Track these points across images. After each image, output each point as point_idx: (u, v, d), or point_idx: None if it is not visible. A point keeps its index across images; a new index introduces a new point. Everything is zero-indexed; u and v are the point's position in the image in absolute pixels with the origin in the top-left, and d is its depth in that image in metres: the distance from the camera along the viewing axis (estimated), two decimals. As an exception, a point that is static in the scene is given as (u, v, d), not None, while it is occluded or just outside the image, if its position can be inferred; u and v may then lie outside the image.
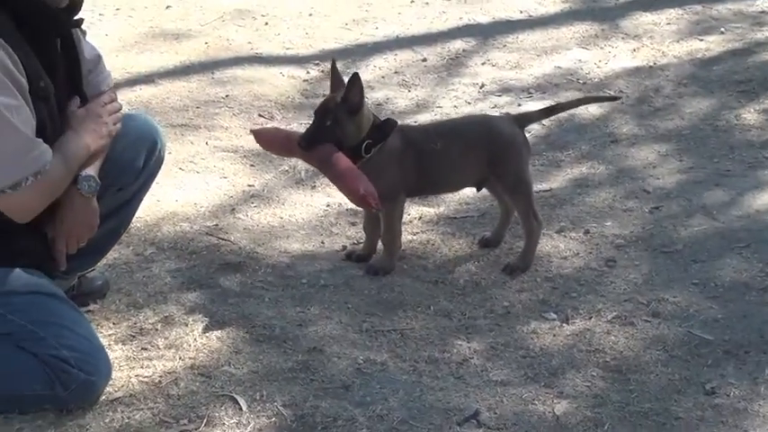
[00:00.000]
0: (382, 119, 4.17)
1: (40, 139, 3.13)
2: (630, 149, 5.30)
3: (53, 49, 3.36)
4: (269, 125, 5.58)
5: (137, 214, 4.01)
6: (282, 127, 5.46)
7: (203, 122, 5.70)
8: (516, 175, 4.16)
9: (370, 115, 4.07)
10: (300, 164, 5.06)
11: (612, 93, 5.95)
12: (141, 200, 3.90)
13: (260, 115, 5.85)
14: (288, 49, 6.89)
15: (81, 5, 3.40)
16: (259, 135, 4.24)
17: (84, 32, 3.56)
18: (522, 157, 4.17)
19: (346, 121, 3.99)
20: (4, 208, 3.12)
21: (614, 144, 5.38)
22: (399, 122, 4.22)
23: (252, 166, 5.23)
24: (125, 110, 5.45)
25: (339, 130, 3.98)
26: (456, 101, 6.02)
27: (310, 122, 4.11)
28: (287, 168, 5.18)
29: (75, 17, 3.40)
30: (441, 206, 4.72)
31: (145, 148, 3.76)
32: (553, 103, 4.43)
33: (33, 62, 3.17)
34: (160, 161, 3.87)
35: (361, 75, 6.22)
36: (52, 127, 3.26)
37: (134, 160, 3.72)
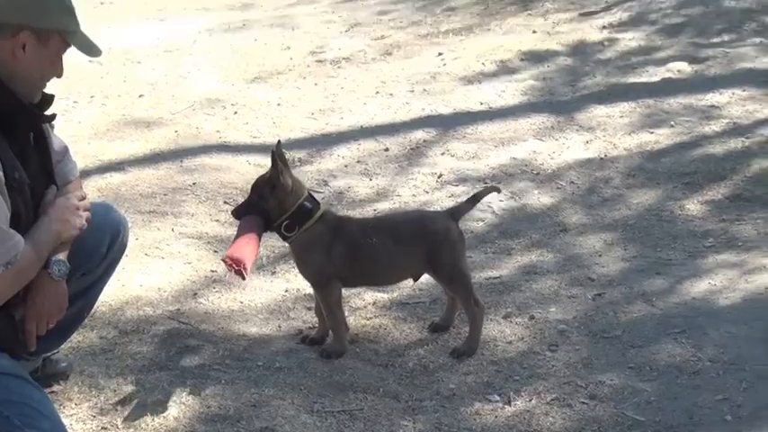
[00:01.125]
0: (324, 207, 4.37)
1: (13, 231, 3.32)
2: (578, 238, 5.54)
3: (26, 142, 3.57)
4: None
5: (102, 298, 4.20)
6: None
7: (170, 209, 5.92)
8: (452, 267, 4.36)
9: (300, 196, 4.28)
10: (261, 250, 5.27)
11: (564, 183, 6.21)
12: (104, 284, 4.09)
13: (225, 202, 6.06)
14: (255, 137, 7.14)
15: (53, 101, 3.63)
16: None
17: (52, 126, 3.78)
18: (456, 251, 4.36)
19: (268, 196, 4.23)
20: (-26, 294, 3.31)
21: (563, 233, 5.62)
22: (336, 213, 4.48)
23: (215, 252, 5.43)
24: (95, 196, 5.71)
25: (262, 205, 4.24)
26: (415, 189, 6.27)
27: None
28: (249, 254, 5.38)
29: (48, 112, 3.62)
30: (394, 292, 4.93)
31: (109, 235, 3.96)
32: (474, 193, 4.66)
33: (8, 155, 3.37)
34: (123, 247, 4.06)
35: (325, 164, 6.58)
36: (26, 216, 3.46)
37: (98, 246, 3.91)
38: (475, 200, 4.56)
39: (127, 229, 4.08)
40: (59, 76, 3.58)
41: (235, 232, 4.29)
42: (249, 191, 4.37)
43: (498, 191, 4.99)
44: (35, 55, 3.42)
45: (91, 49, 3.56)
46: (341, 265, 4.29)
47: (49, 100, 3.61)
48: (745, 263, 5.10)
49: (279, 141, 4.39)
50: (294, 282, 5.07)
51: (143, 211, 5.84)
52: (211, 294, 4.96)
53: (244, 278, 4.08)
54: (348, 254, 4.30)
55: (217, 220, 5.83)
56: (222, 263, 4.06)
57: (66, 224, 3.58)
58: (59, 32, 3.45)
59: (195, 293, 4.96)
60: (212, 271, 5.21)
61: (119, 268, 4.17)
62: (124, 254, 4.10)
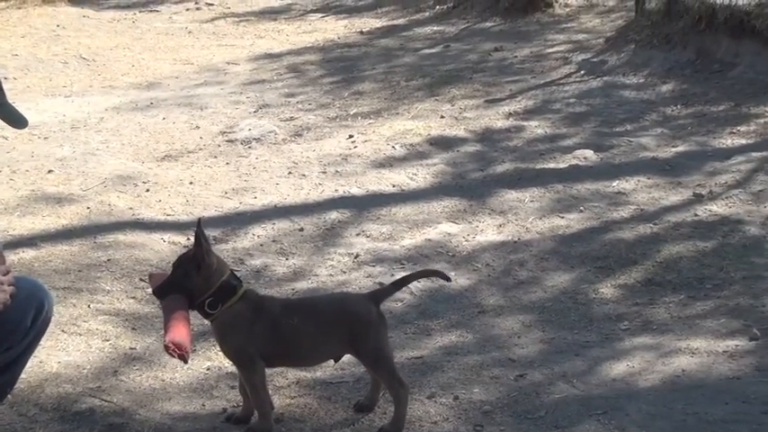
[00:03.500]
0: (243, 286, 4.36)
1: None
2: (496, 319, 5.61)
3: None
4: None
5: (21, 376, 4.12)
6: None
7: (85, 286, 5.85)
8: (375, 350, 4.36)
9: (223, 274, 4.27)
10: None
11: (479, 265, 6.30)
12: (28, 359, 4.03)
13: (141, 279, 6.01)
14: (168, 215, 7.11)
15: None
16: (154, 279, 4.41)
17: None
18: (379, 334, 4.36)
19: (192, 274, 4.22)
20: None
21: (481, 314, 5.69)
22: (260, 292, 4.46)
23: (134, 329, 5.38)
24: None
25: (186, 283, 4.22)
26: (332, 269, 6.29)
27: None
28: (168, 332, 5.33)
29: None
30: (317, 371, 4.92)
31: (33, 309, 3.90)
32: (401, 277, 4.72)
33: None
34: (47, 321, 4.01)
35: (240, 242, 6.57)
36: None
37: (22, 320, 3.85)
38: (399, 285, 4.59)
39: (52, 302, 4.04)
40: None
41: (158, 310, 4.27)
42: (172, 268, 4.33)
43: (434, 275, 5.00)
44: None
45: (18, 121, 3.54)
46: (262, 345, 4.27)
47: None
48: (661, 345, 5.21)
49: (200, 220, 4.38)
50: (216, 359, 5.04)
51: (58, 287, 5.77)
52: (132, 372, 4.91)
53: (186, 361, 4.04)
54: (269, 333, 4.29)
55: (133, 297, 5.78)
56: (165, 349, 3.98)
57: None
58: None
59: (115, 371, 4.90)
60: (132, 348, 5.16)
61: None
62: (48, 328, 4.05)
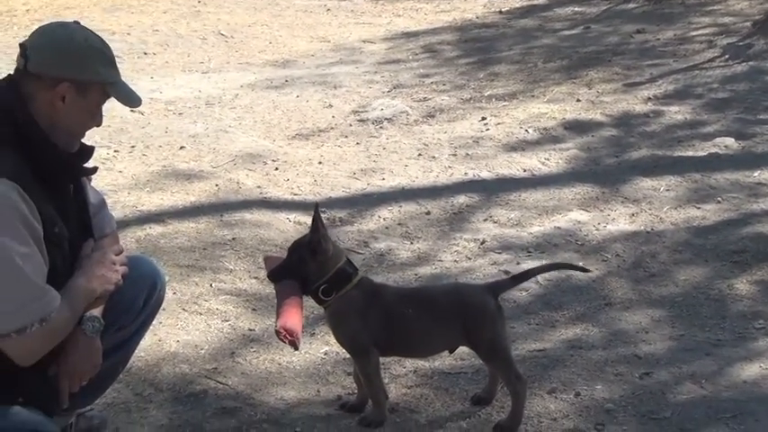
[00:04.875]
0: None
1: (49, 286, 3.25)
2: (624, 313, 5.41)
3: (66, 195, 3.52)
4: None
5: (137, 353, 4.12)
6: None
7: (209, 264, 5.84)
8: (491, 343, 4.22)
9: (339, 261, 4.18)
10: (301, 311, 5.18)
11: (609, 256, 6.09)
12: (140, 339, 4.01)
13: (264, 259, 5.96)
14: (296, 195, 7.07)
15: (92, 152, 3.57)
16: (269, 262, 4.35)
17: (89, 177, 3.71)
18: (495, 326, 4.22)
19: (308, 260, 4.12)
20: (8, 350, 3.23)
21: (608, 307, 5.49)
22: (373, 280, 4.38)
23: (254, 310, 5.35)
24: (134, 248, 5.65)
25: (301, 269, 4.12)
26: (457, 255, 6.16)
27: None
28: (287, 314, 5.28)
29: (89, 165, 3.57)
30: (435, 361, 4.80)
31: (145, 289, 3.88)
32: (524, 270, 4.57)
33: (48, 208, 3.31)
34: (160, 302, 3.99)
35: (365, 224, 6.49)
36: (64, 270, 3.40)
37: (134, 300, 3.84)
38: (519, 279, 4.45)
39: (164, 282, 4.00)
40: (99, 125, 3.55)
41: (274, 293, 4.19)
42: (287, 253, 4.25)
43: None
44: (75, 106, 3.39)
45: (131, 100, 3.53)
46: (376, 334, 4.17)
47: (88, 151, 3.56)
48: (797, 348, 4.96)
49: (317, 204, 4.28)
50: (333, 344, 4.94)
51: (181, 265, 5.77)
52: (249, 354, 4.87)
53: (297, 348, 3.97)
54: (383, 322, 4.18)
55: (256, 278, 5.75)
56: (275, 334, 3.91)
57: (101, 280, 3.51)
58: (99, 83, 3.41)
59: (233, 352, 4.87)
60: (250, 330, 5.12)
61: (155, 322, 4.10)
62: (161, 308, 4.02)
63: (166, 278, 4.03)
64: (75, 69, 3.33)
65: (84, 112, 3.42)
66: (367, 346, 4.18)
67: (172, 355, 4.75)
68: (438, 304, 4.25)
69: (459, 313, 4.20)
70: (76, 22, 3.50)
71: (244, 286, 5.62)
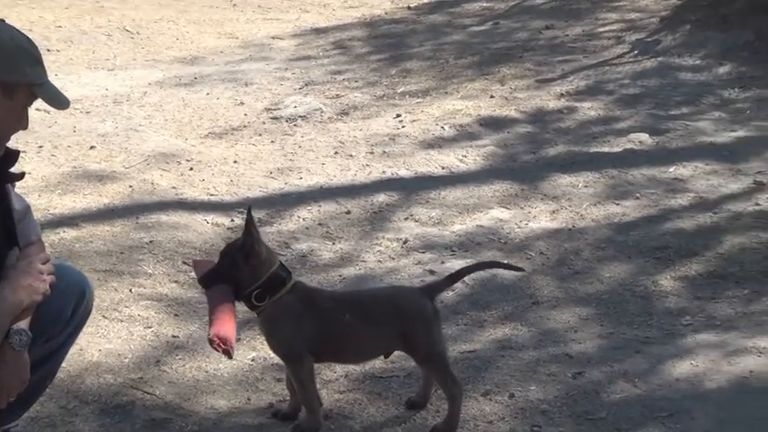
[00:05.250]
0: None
1: None
2: (552, 312, 5.39)
3: (-11, 203, 3.36)
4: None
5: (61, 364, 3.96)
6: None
7: (127, 268, 5.68)
8: (427, 347, 4.16)
9: (272, 265, 4.08)
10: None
11: (533, 254, 6.07)
12: (68, 351, 3.87)
13: (184, 262, 5.84)
14: (212, 195, 6.93)
15: (18, 157, 3.42)
16: (197, 266, 4.23)
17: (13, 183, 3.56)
18: (432, 329, 4.16)
19: (241, 264, 4.01)
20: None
21: (536, 306, 5.46)
22: (310, 284, 4.28)
23: (176, 315, 5.21)
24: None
25: (233, 273, 4.01)
26: (380, 255, 6.08)
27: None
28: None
29: (15, 170, 3.42)
30: (367, 364, 4.71)
31: (73, 298, 3.75)
32: (457, 270, 4.51)
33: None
34: (88, 311, 3.85)
35: (285, 225, 6.38)
36: (-11, 279, 3.25)
37: (62, 310, 3.70)
38: (454, 279, 4.39)
39: (92, 291, 3.87)
40: (25, 128, 3.41)
41: (201, 296, 4.09)
42: (219, 257, 4.14)
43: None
44: (0, 109, 3.24)
45: (59, 101, 3.40)
46: (311, 339, 4.07)
47: (13, 156, 3.41)
48: (726, 344, 4.96)
49: (249, 208, 4.17)
50: (261, 350, 4.85)
51: (99, 270, 5.61)
52: (174, 362, 4.73)
53: (231, 357, 3.86)
54: (318, 328, 4.08)
55: (176, 281, 5.61)
56: (209, 342, 3.79)
57: (28, 290, 3.37)
58: (27, 84, 3.28)
59: (158, 360, 4.73)
60: (174, 336, 4.99)
61: (78, 332, 3.94)
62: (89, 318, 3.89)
63: (94, 288, 3.89)
64: (2, 70, 3.18)
65: (11, 115, 3.28)
66: (301, 352, 4.08)
67: (95, 365, 4.59)
68: (374, 308, 4.17)
69: (396, 317, 4.12)
70: (1, 20, 3.35)
71: (164, 291, 5.48)
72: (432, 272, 5.78)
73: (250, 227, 4.01)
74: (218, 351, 3.77)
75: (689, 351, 4.92)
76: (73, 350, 4.53)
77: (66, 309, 3.71)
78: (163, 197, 6.79)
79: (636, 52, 10.45)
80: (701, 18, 10.91)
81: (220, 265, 4.06)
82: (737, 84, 9.31)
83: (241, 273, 4.01)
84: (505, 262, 4.69)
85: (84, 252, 5.83)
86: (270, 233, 6.33)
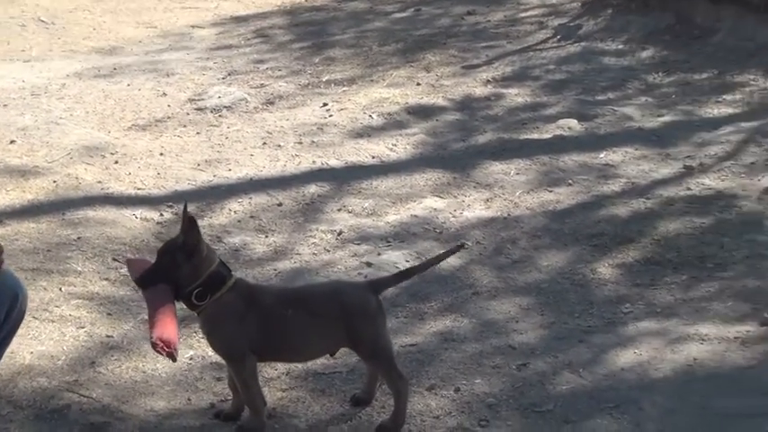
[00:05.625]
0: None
1: None
2: (492, 302, 5.34)
3: None
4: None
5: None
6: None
7: (55, 266, 5.53)
8: (372, 342, 4.09)
9: (212, 263, 3.97)
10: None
11: (470, 243, 6.01)
12: (2, 355, 3.74)
13: (114, 259, 5.70)
14: (139, 189, 6.77)
15: None
16: (131, 265, 4.10)
17: None
18: (376, 325, 4.09)
19: (183, 263, 3.91)
20: None
21: (475, 296, 5.41)
22: (251, 281, 4.17)
23: (109, 314, 5.08)
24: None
25: (174, 272, 3.90)
26: (315, 248, 5.99)
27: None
28: (146, 317, 5.01)
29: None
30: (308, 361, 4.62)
31: (6, 302, 3.62)
32: (406, 269, 4.45)
33: None
34: (21, 314, 3.74)
35: (216, 218, 6.25)
36: None
37: (-4, 315, 3.57)
38: (403, 276, 4.31)
39: (26, 294, 3.75)
40: None
41: (134, 293, 3.97)
42: (156, 255, 4.01)
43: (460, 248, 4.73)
44: None
45: None
46: (254, 338, 3.97)
47: None
48: (667, 331, 4.96)
49: (186, 204, 4.06)
50: (198, 348, 4.74)
51: (26, 269, 5.44)
52: (110, 363, 4.60)
53: (175, 360, 3.75)
54: (261, 326, 3.98)
55: (107, 279, 5.47)
56: (152, 346, 3.68)
57: None
58: None
59: (93, 362, 4.59)
60: (108, 336, 4.86)
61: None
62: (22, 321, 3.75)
63: (27, 289, 3.75)
64: None
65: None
66: (244, 350, 3.98)
67: (27, 368, 4.44)
68: (317, 304, 4.07)
69: (340, 313, 4.03)
70: None
71: (96, 289, 5.33)
72: (368, 264, 5.71)
73: (190, 224, 3.89)
74: (161, 354, 3.66)
75: (632, 340, 4.90)
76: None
77: (-1, 313, 3.58)
78: (89, 192, 6.62)
79: (559, 37, 10.44)
80: (622, 2, 10.92)
81: (159, 264, 3.94)
82: (661, 68, 9.34)
83: (181, 272, 3.90)
84: (449, 250, 4.57)
85: (10, 251, 5.62)
86: (201, 227, 6.12)
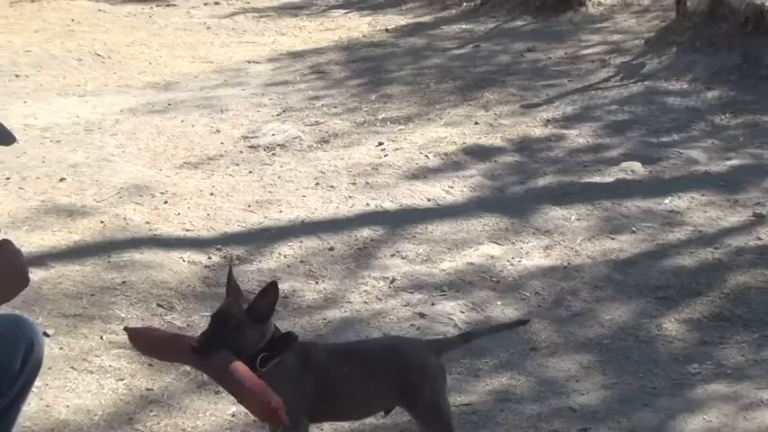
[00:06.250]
0: (283, 331, 3.80)
1: None
2: (551, 359, 5.07)
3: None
4: (152, 322, 5.23)
5: (24, 423, 3.63)
6: (179, 322, 5.19)
7: (98, 312, 5.34)
8: (430, 405, 3.85)
9: (272, 327, 3.72)
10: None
11: (528, 294, 5.76)
12: (21, 407, 3.55)
13: (159, 305, 5.52)
14: (188, 231, 6.59)
15: None
16: (136, 336, 3.75)
17: None
18: (436, 387, 3.86)
19: (250, 328, 3.60)
20: None
21: (533, 352, 5.15)
22: (303, 338, 3.90)
23: (150, 366, 4.87)
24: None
25: (240, 338, 3.58)
26: (366, 296, 5.76)
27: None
28: (188, 370, 4.81)
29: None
30: (355, 422, 4.38)
31: (22, 350, 3.45)
32: (470, 330, 4.24)
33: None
34: (39, 362, 3.55)
35: (266, 263, 6.05)
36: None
37: (10, 364, 3.41)
38: (466, 338, 4.10)
39: (41, 340, 3.54)
40: None
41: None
42: (213, 320, 3.70)
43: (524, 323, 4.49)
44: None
45: (5, 138, 3.12)
46: (310, 399, 3.73)
47: None
48: (739, 395, 4.66)
49: (231, 266, 3.82)
50: (239, 404, 4.50)
51: (68, 315, 5.26)
52: (149, 419, 4.40)
53: (287, 426, 3.47)
54: (318, 386, 3.74)
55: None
56: (269, 415, 3.38)
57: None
58: None
59: (131, 418, 4.39)
60: (148, 389, 4.65)
61: (41, 385, 3.62)
62: (41, 369, 3.56)
63: (52, 331, 3.56)
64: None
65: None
66: (300, 414, 3.72)
67: (62, 424, 4.25)
68: (373, 362, 3.83)
69: (396, 372, 3.79)
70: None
71: (138, 338, 5.12)
72: (422, 315, 5.47)
73: (272, 290, 3.62)
74: (277, 422, 3.37)
75: (700, 404, 4.62)
76: (38, 407, 4.25)
77: (14, 362, 3.43)
78: (136, 233, 6.44)
79: (621, 76, 10.20)
80: (687, 40, 10.67)
81: (221, 330, 3.59)
82: (728, 109, 9.06)
83: (248, 338, 3.61)
84: (514, 321, 4.28)
85: (53, 295, 5.48)
86: (249, 272, 6.00)
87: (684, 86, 9.71)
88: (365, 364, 3.82)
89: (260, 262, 6.17)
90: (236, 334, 3.56)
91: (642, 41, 11.20)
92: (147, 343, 3.75)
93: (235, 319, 3.57)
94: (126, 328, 3.78)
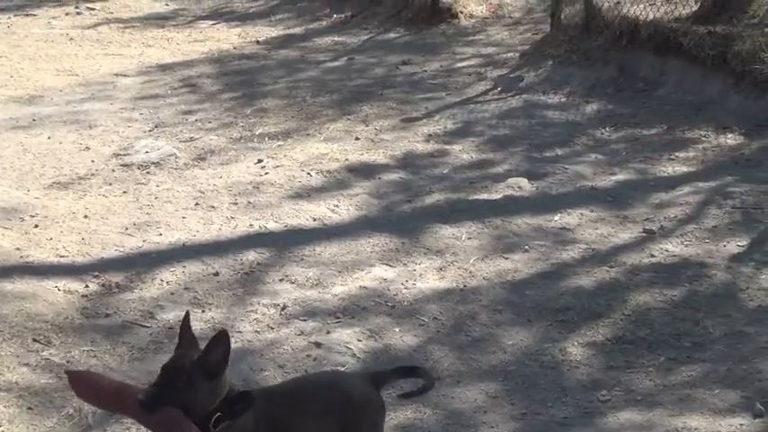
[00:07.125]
0: (239, 389, 3.50)
1: None
2: (455, 389, 4.87)
3: None
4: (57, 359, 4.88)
5: None
6: (57, 358, 4.84)
7: (-32, 350, 4.95)
8: None
9: (226, 383, 3.40)
10: (87, 407, 4.39)
11: (426, 319, 5.55)
12: None
13: (35, 340, 5.15)
14: (62, 257, 6.21)
15: None
16: (78, 381, 3.47)
17: None
18: (377, 422, 3.65)
19: (201, 385, 3.29)
20: None
21: (437, 382, 4.91)
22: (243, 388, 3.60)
23: (29, 409, 4.51)
24: None
25: (191, 395, 3.26)
26: (257, 325, 5.47)
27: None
28: (71, 412, 4.48)
29: None
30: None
31: None
32: (415, 366, 4.23)
33: None
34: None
35: (147, 290, 5.72)
36: None
37: None
38: (407, 373, 3.96)
39: None
40: None
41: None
42: (163, 372, 3.32)
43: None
44: None
45: None
46: None
47: None
48: (653, 424, 4.52)
49: (188, 312, 3.50)
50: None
51: (-68, 355, 4.86)
52: (32, 470, 4.04)
53: None
54: None
55: (27, 365, 4.91)
56: None
57: None
58: None
59: (12, 471, 4.03)
60: (30, 436, 4.29)
61: None
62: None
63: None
64: None
65: None
66: None
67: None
68: (311, 399, 3.59)
69: (336, 408, 3.56)
70: None
71: (14, 378, 4.76)
72: (317, 344, 5.22)
73: (224, 341, 3.31)
74: None
75: (613, 433, 4.46)
76: None
77: None
78: (6, 261, 6.04)
79: (500, 89, 10.11)
80: (563, 54, 10.63)
81: (170, 385, 3.26)
82: (607, 123, 9.01)
83: (199, 395, 3.28)
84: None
85: None
86: (131, 300, 5.67)
87: (563, 99, 9.66)
88: (312, 404, 3.58)
89: (141, 289, 5.83)
90: (187, 391, 3.24)
91: (517, 54, 11.14)
92: (90, 390, 3.45)
93: (186, 374, 3.25)
94: (67, 372, 3.49)
